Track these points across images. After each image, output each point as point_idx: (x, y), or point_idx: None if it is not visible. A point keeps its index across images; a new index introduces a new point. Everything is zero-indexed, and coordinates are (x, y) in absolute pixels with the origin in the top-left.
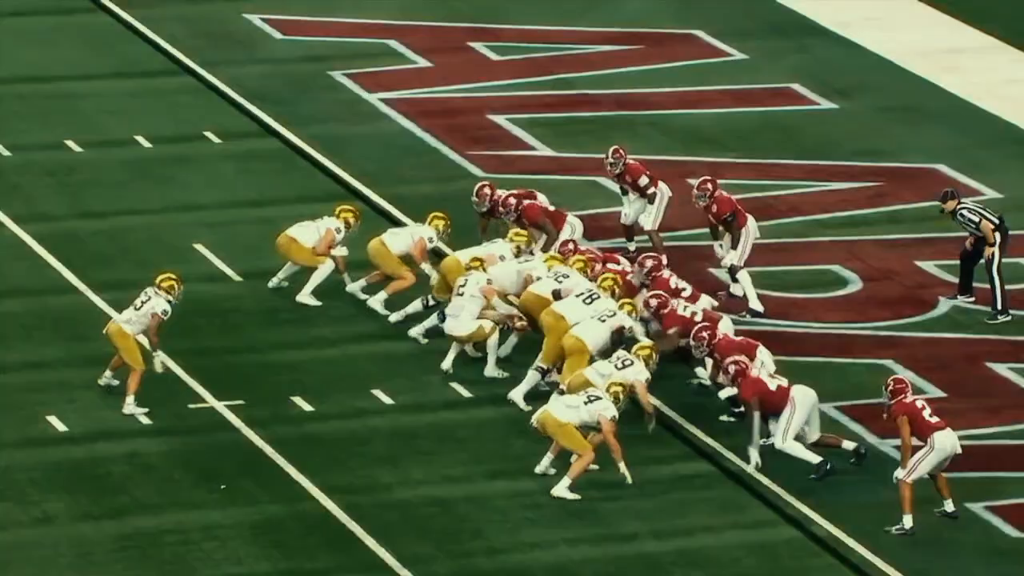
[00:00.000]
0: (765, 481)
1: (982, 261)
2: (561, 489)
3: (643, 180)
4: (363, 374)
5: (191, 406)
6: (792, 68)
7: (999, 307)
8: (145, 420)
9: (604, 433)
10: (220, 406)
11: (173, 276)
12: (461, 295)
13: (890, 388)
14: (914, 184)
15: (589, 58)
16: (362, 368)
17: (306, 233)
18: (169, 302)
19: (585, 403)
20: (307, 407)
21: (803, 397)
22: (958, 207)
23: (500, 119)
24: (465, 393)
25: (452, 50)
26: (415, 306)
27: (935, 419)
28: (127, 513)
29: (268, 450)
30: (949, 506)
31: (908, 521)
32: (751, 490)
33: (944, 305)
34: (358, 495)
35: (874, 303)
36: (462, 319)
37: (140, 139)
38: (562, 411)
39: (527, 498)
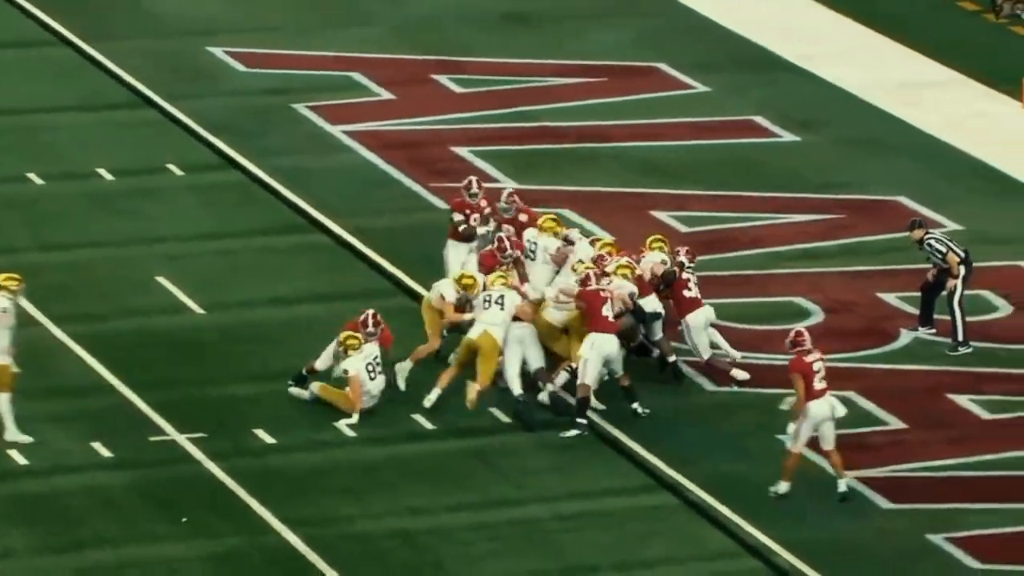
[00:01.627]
0: (726, 512)
1: (943, 293)
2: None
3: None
4: (325, 406)
5: (152, 439)
6: (754, 101)
7: (960, 339)
8: (106, 452)
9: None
10: (181, 438)
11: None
12: None
13: (790, 339)
14: (876, 216)
15: (552, 91)
16: (324, 400)
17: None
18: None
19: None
20: (269, 439)
21: (599, 346)
22: (926, 236)
23: (463, 151)
24: (427, 425)
25: (415, 82)
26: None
27: (821, 385)
28: (87, 546)
29: (229, 482)
30: (842, 486)
31: (783, 487)
32: (712, 521)
33: (905, 337)
34: (320, 527)
35: (835, 335)
36: None
37: (102, 171)
38: (498, 332)
39: (489, 530)
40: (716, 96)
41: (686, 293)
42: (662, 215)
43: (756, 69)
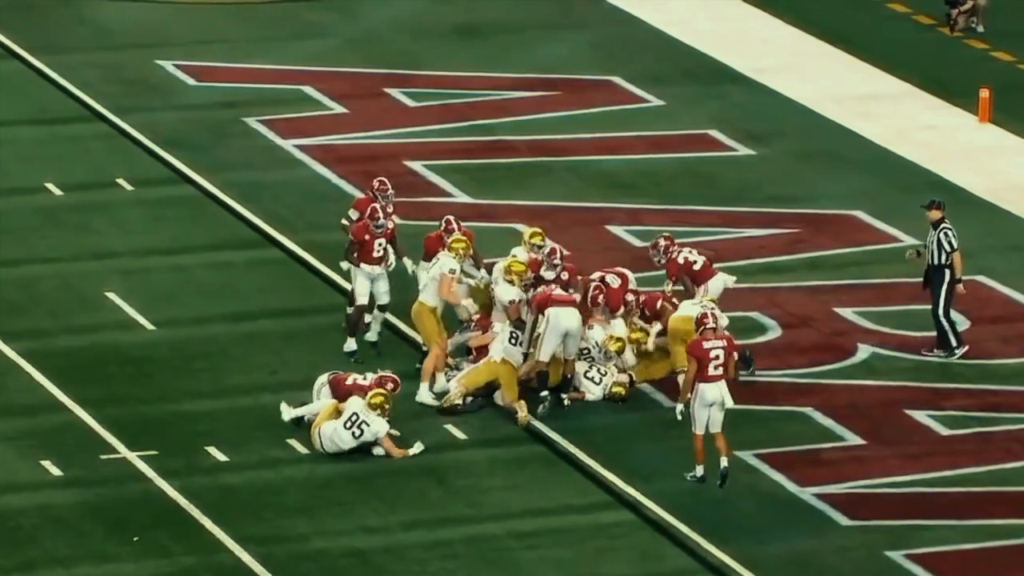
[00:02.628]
0: (685, 529)
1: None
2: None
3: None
4: (278, 423)
5: (103, 457)
6: (709, 114)
7: (955, 344)
8: (56, 471)
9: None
10: (132, 456)
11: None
12: None
13: (696, 318)
14: (832, 230)
15: (506, 104)
16: (277, 417)
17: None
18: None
19: None
20: (221, 457)
21: (555, 319)
22: (943, 223)
23: (416, 165)
24: None
25: (368, 96)
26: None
27: (716, 372)
28: (38, 566)
29: (182, 501)
30: (723, 462)
31: (699, 471)
32: (671, 538)
33: (863, 352)
34: (273, 546)
35: (793, 350)
36: None
37: (51, 186)
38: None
39: (445, 548)
40: (670, 109)
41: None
42: (617, 229)
43: (710, 82)
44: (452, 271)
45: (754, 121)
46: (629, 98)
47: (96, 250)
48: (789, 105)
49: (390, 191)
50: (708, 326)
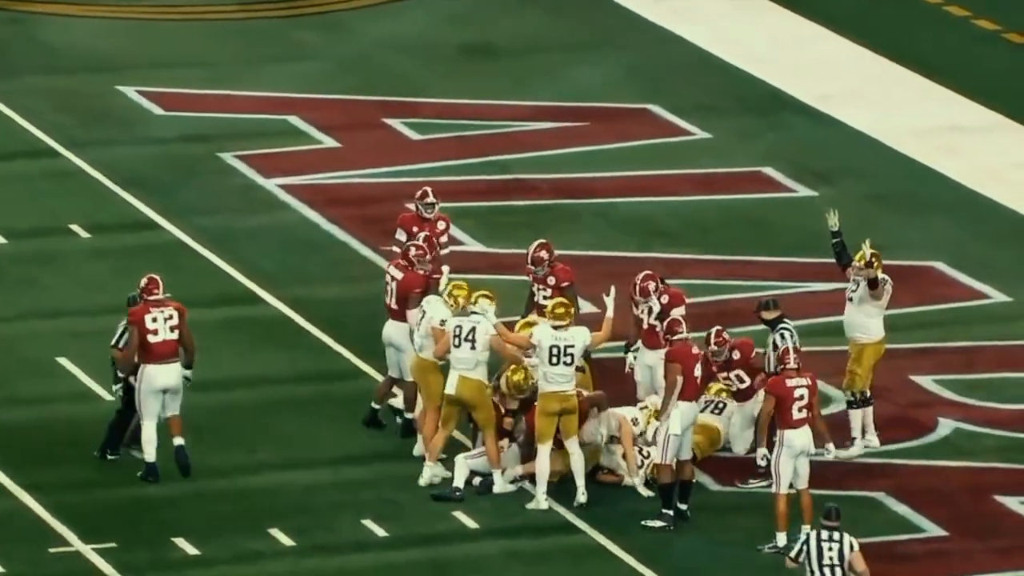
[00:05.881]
0: None
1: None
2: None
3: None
4: (259, 510)
5: (52, 550)
6: (763, 149)
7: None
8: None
9: None
10: (87, 549)
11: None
12: None
13: (777, 355)
14: (908, 285)
15: (526, 137)
16: (258, 503)
17: None
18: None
19: None
20: (191, 550)
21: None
22: (780, 323)
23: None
24: (379, 532)
25: (364, 127)
26: None
27: (801, 415)
28: None
29: None
30: (805, 529)
31: (781, 540)
32: None
33: (944, 427)
34: None
35: None
36: None
37: None
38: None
39: None
40: (718, 143)
41: None
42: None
43: (765, 112)
44: (443, 322)
45: (817, 157)
46: (670, 130)
47: (46, 308)
48: (858, 138)
49: (430, 199)
50: (790, 366)
